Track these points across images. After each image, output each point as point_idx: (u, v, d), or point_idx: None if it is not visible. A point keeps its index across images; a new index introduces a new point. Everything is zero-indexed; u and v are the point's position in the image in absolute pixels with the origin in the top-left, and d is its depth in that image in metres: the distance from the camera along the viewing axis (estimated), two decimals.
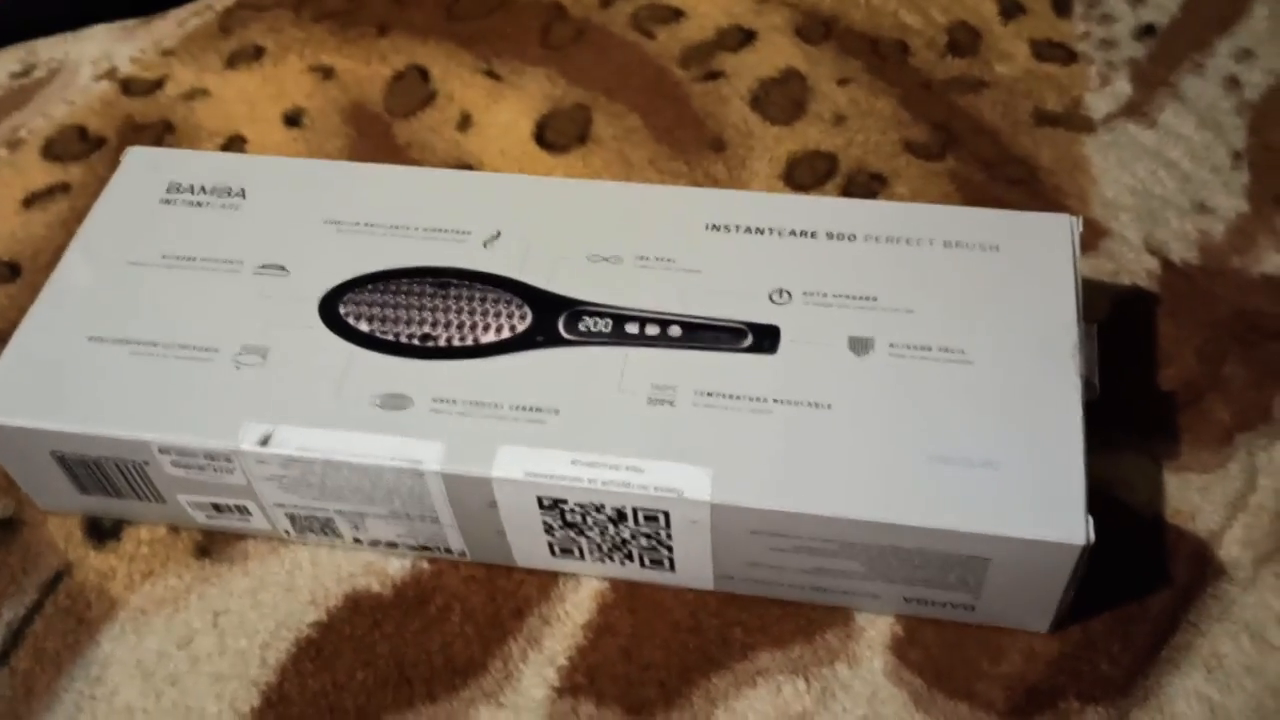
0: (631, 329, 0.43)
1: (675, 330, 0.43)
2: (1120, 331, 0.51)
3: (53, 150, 0.61)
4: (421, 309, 0.45)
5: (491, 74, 0.63)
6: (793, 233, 0.46)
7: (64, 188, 0.59)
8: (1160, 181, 0.57)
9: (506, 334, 0.44)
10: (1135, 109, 0.60)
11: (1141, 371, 0.49)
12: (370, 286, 0.45)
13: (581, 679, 0.42)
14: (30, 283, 0.55)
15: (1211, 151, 0.58)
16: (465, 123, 0.61)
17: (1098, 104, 0.61)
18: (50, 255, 0.56)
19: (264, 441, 0.41)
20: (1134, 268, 0.53)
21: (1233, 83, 0.61)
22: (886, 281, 0.44)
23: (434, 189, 0.49)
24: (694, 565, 0.42)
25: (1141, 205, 0.56)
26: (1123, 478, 0.46)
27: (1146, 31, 0.64)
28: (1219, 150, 0.58)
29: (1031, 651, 0.42)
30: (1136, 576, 0.44)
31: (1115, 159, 0.58)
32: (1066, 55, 0.63)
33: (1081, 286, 0.44)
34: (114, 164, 0.59)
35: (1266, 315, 0.51)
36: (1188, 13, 0.65)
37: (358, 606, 0.44)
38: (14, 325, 0.53)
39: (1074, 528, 0.37)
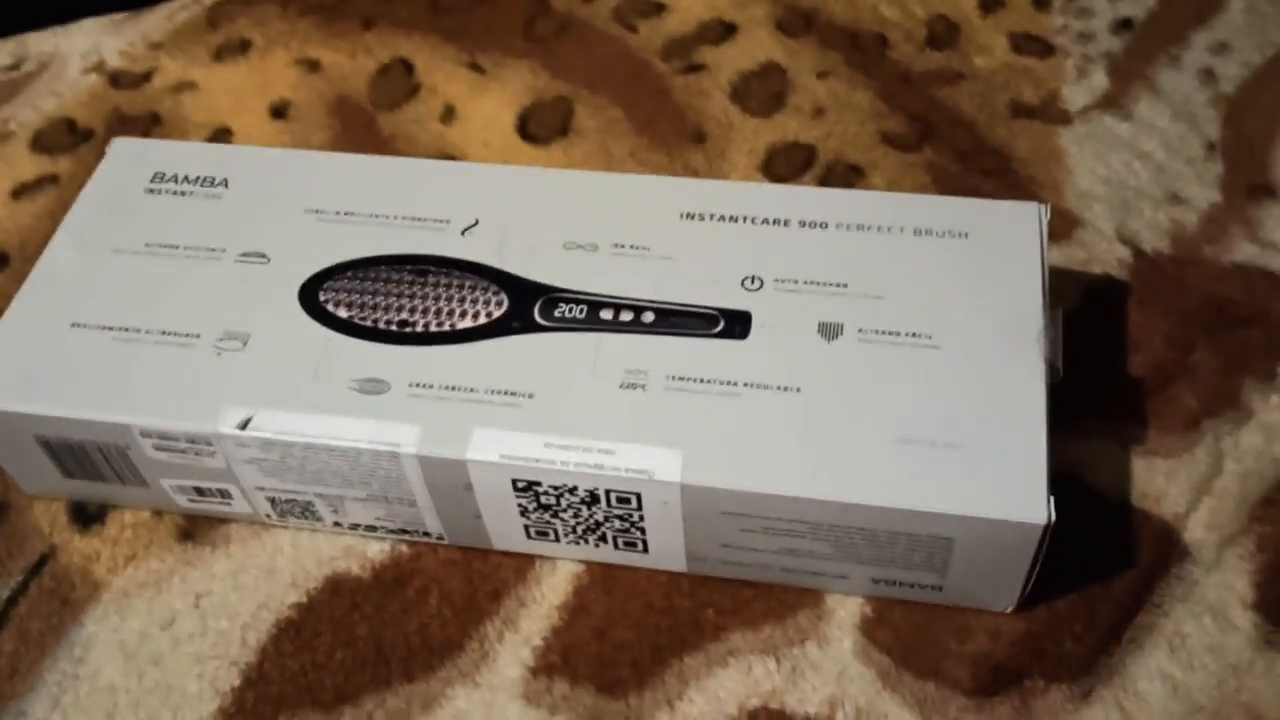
0: (606, 315, 0.44)
1: (649, 316, 0.44)
2: (1091, 319, 0.52)
3: (41, 142, 0.62)
4: (400, 296, 0.45)
5: (475, 67, 0.64)
6: (766, 221, 0.47)
7: (52, 179, 0.60)
8: (1134, 173, 0.58)
9: (483, 320, 0.44)
10: (1111, 101, 0.61)
11: (1111, 358, 0.50)
12: (349, 274, 0.46)
13: (556, 659, 0.43)
14: (18, 272, 0.56)
15: (1185, 143, 0.59)
16: (449, 115, 0.62)
17: (1074, 96, 0.61)
18: (38, 245, 0.57)
19: (244, 425, 0.42)
20: (1106, 257, 0.54)
21: (1208, 75, 0.62)
22: (857, 268, 0.45)
23: (414, 179, 0.49)
24: (667, 547, 0.43)
25: (1115, 196, 0.57)
26: (1090, 462, 0.47)
27: (1124, 25, 0.65)
28: (1193, 142, 0.59)
29: (998, 631, 0.43)
30: (1102, 558, 0.44)
31: (1090, 150, 0.59)
32: (1044, 49, 0.64)
33: (1049, 273, 0.44)
34: (101, 156, 0.60)
35: (1236, 303, 0.52)
36: (1165, 6, 0.66)
37: (337, 588, 0.45)
38: (2, 313, 0.54)
39: (1035, 507, 0.38)
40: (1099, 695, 0.41)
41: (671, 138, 0.60)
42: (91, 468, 0.45)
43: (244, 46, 0.66)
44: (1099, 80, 0.62)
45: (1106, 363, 0.50)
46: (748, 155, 0.59)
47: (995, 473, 0.39)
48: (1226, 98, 0.61)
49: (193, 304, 0.45)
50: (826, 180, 0.58)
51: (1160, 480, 0.46)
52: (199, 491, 0.45)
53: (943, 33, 0.65)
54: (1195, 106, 0.60)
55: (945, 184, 0.57)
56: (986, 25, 0.65)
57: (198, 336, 0.44)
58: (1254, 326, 0.51)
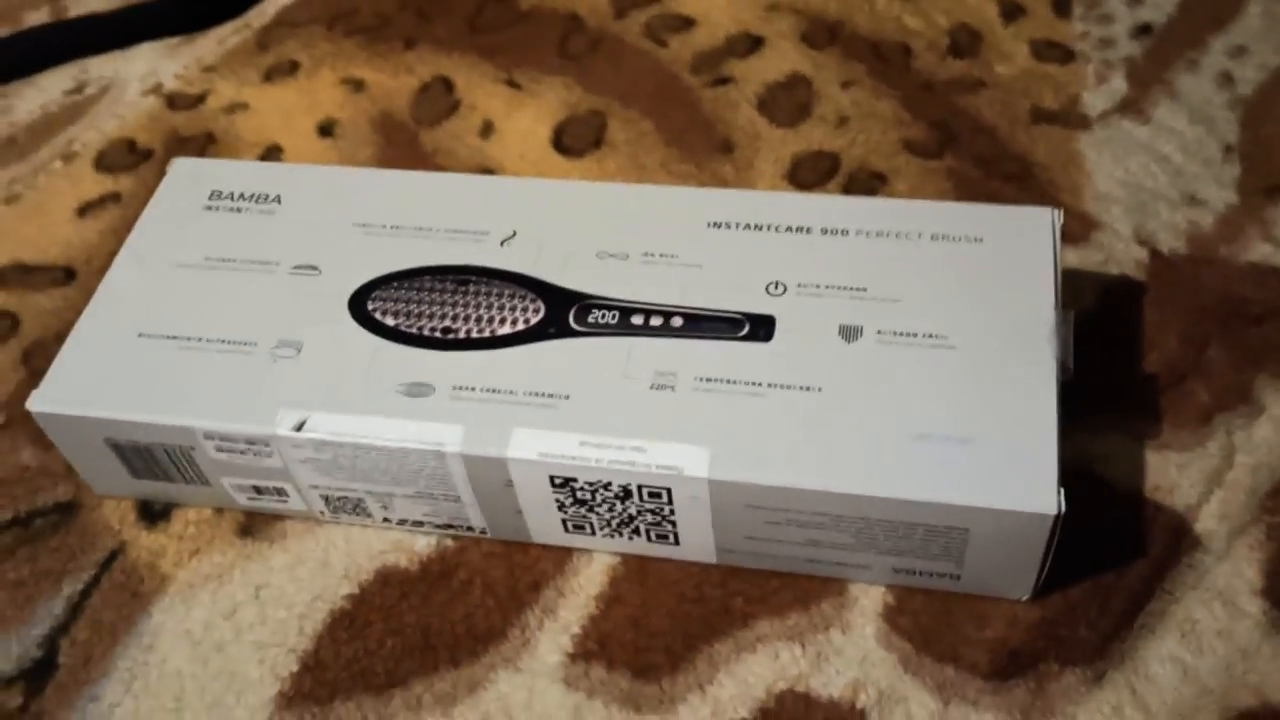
0: (636, 320, 0.47)
1: (677, 321, 0.46)
2: (1107, 318, 0.53)
3: (104, 162, 0.65)
4: (443, 304, 0.48)
5: (512, 83, 0.67)
6: (789, 229, 0.49)
7: (115, 197, 0.63)
8: (1152, 175, 0.59)
9: (521, 326, 0.47)
10: (1130, 106, 0.63)
11: (1126, 355, 0.52)
12: (396, 284, 0.49)
13: (593, 646, 0.45)
14: (84, 286, 0.59)
15: (1203, 146, 0.60)
16: (487, 130, 0.65)
17: (1094, 101, 0.63)
18: (103, 260, 0.60)
19: (299, 427, 0.45)
20: (1123, 258, 0.56)
21: (1226, 78, 0.63)
22: (876, 273, 0.47)
23: (455, 193, 0.52)
24: (697, 539, 0.45)
25: (1133, 198, 0.58)
26: (1105, 455, 0.49)
27: (1143, 30, 0.67)
28: (1210, 144, 0.60)
29: (1014, 618, 0.44)
30: (1115, 548, 0.46)
31: (1109, 154, 0.60)
32: (1065, 55, 0.66)
33: (1061, 275, 0.46)
34: (160, 174, 0.64)
35: (1250, 301, 0.53)
36: (1183, 11, 0.67)
37: (387, 580, 0.48)
38: (70, 324, 0.57)
39: (1046, 498, 0.40)
40: (1111, 678, 0.43)
41: (701, 149, 0.62)
42: (158, 468, 0.48)
43: (292, 68, 0.69)
44: (1118, 85, 0.64)
45: (1122, 360, 0.52)
46: (774, 164, 0.61)
47: (1008, 466, 0.41)
48: (1244, 100, 0.62)
49: (249, 314, 0.48)
50: (850, 187, 0.60)
51: (1173, 473, 0.48)
52: (257, 490, 0.48)
53: (965, 41, 0.67)
54: (1213, 109, 0.62)
55: (966, 190, 0.59)
56: (1008, 33, 0.67)
57: (255, 344, 0.47)
58: (1267, 323, 0.52)
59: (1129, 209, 0.58)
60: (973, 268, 0.47)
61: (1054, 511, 0.40)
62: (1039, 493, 0.40)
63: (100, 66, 0.71)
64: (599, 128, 0.64)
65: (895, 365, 0.44)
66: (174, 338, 0.48)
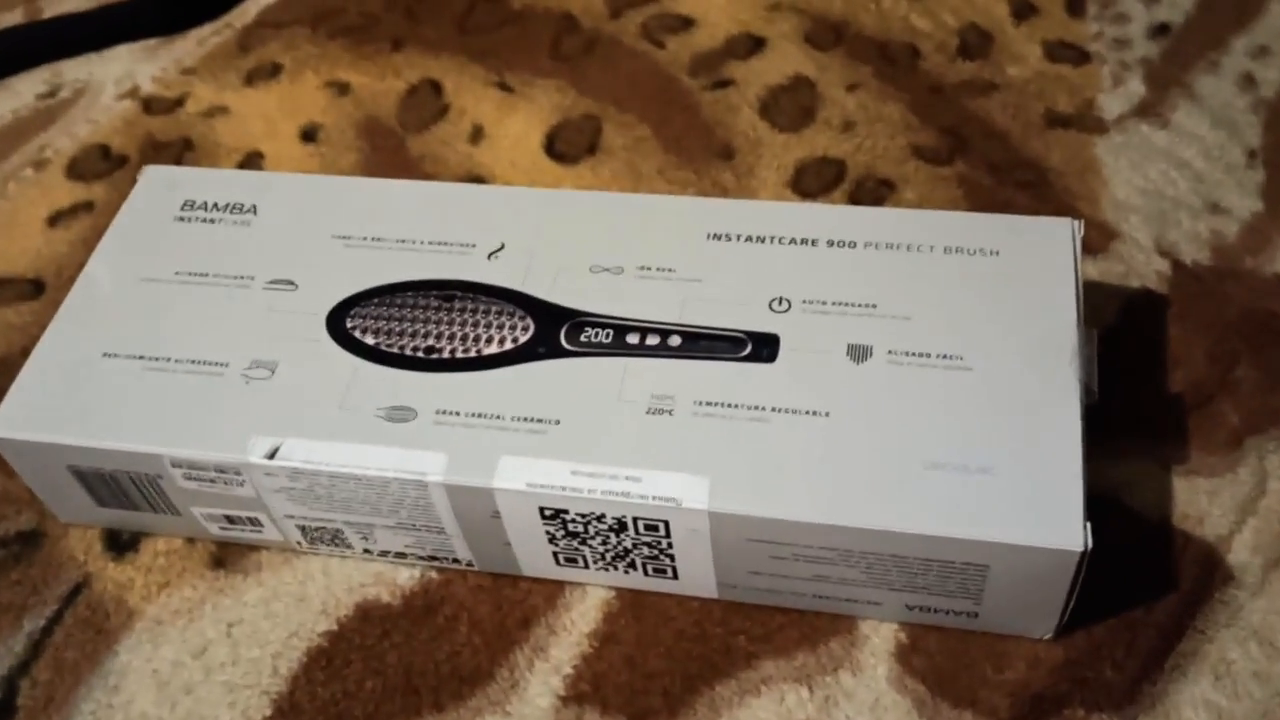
0: (632, 339, 0.44)
1: (675, 340, 0.44)
2: (1129, 334, 0.50)
3: (76, 169, 0.62)
4: (426, 321, 0.45)
5: (503, 86, 0.64)
6: (793, 241, 0.46)
7: (87, 206, 0.60)
8: (1172, 182, 0.56)
9: (509, 345, 0.44)
10: (1148, 109, 0.60)
11: (1150, 374, 0.49)
12: (376, 300, 0.46)
13: (587, 687, 0.43)
14: (53, 299, 0.56)
15: (1225, 151, 0.58)
16: (477, 135, 0.62)
17: (1110, 105, 0.60)
18: (73, 272, 0.57)
19: (271, 454, 0.42)
20: (1144, 270, 0.53)
21: (1248, 80, 0.60)
22: (886, 288, 0.44)
23: (440, 203, 0.49)
24: (697, 574, 0.43)
25: (1153, 206, 0.55)
26: (1129, 482, 0.46)
27: (1160, 30, 0.64)
28: (1233, 149, 0.58)
29: (1036, 658, 0.42)
30: (1143, 582, 0.43)
31: (1127, 160, 0.58)
32: (1079, 56, 0.63)
33: (1083, 290, 0.44)
34: (135, 182, 0.61)
35: (1279, 316, 0.51)
36: (1202, 11, 0.64)
37: (368, 616, 0.45)
38: (36, 341, 0.54)
39: (1072, 534, 0.37)
40: None
41: (700, 155, 0.60)
42: (124, 496, 0.45)
43: (274, 70, 0.66)
44: (1135, 88, 0.61)
45: (1146, 379, 0.49)
46: (777, 171, 0.58)
47: (1030, 498, 0.38)
48: (1267, 103, 0.59)
49: (222, 333, 0.45)
50: (857, 195, 0.57)
51: (1202, 501, 0.45)
52: (229, 520, 0.45)
53: (975, 42, 0.64)
54: (1235, 113, 0.59)
55: (978, 197, 0.56)
56: (1020, 33, 0.64)
57: (226, 365, 0.44)
58: None
59: (1149, 218, 0.55)
60: (989, 283, 0.44)
61: (1080, 548, 0.37)
62: (1064, 527, 0.38)
63: (75, 69, 0.68)
64: (594, 133, 0.61)
65: (907, 388, 0.41)
66: (141, 358, 0.45)
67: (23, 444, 0.44)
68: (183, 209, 0.50)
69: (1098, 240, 0.54)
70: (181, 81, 0.66)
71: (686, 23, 0.66)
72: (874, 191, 0.57)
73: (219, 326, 0.46)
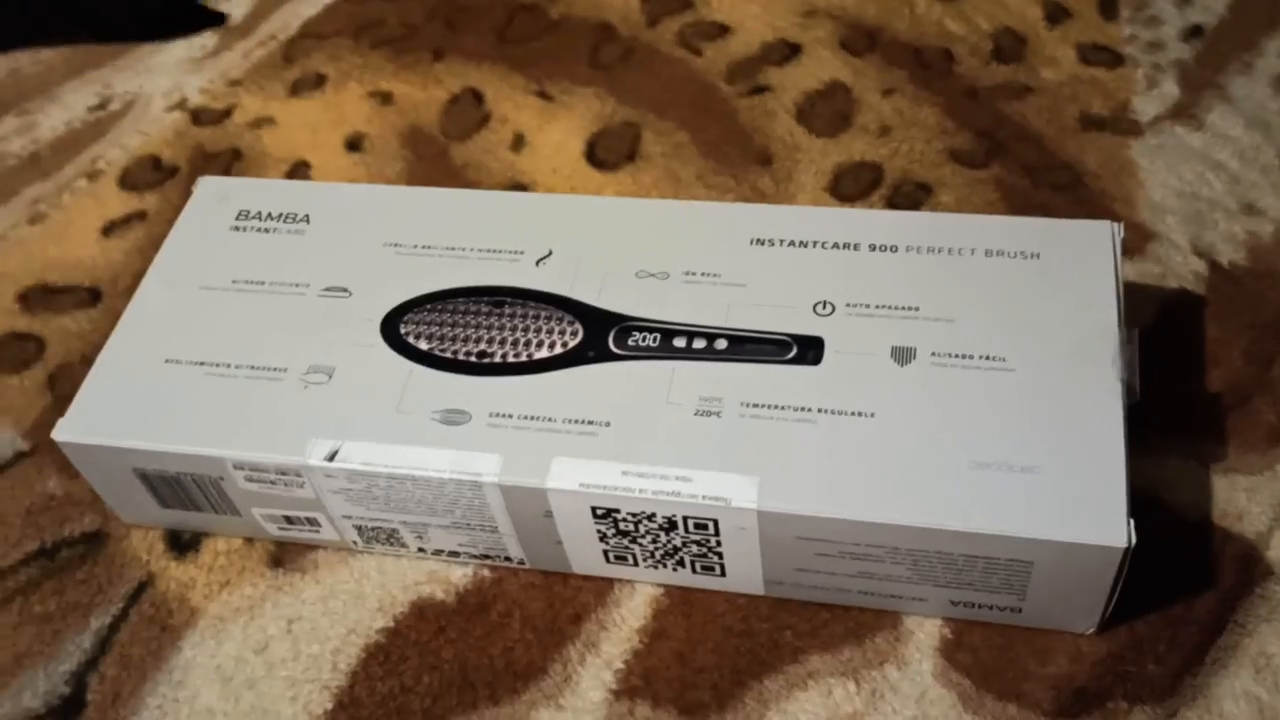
0: (679, 343, 0.45)
1: (721, 343, 0.45)
2: (1167, 335, 0.51)
3: (129, 180, 0.64)
4: (478, 327, 0.46)
5: (543, 95, 0.65)
6: (835, 245, 0.47)
7: (140, 216, 0.62)
8: (1208, 183, 0.57)
9: (559, 350, 0.45)
10: (1182, 111, 0.60)
11: (1188, 374, 0.50)
12: (429, 306, 0.47)
13: (637, 681, 0.44)
14: (110, 307, 0.58)
15: (1260, 152, 0.58)
16: (518, 143, 0.63)
17: (1145, 107, 0.61)
18: (129, 280, 0.59)
19: (331, 457, 0.43)
20: (1181, 271, 0.54)
21: None
22: (928, 291, 0.45)
23: (488, 211, 0.50)
24: (744, 571, 0.44)
25: (1189, 208, 0.56)
26: (1169, 480, 0.46)
27: (1194, 33, 0.64)
28: (1268, 151, 0.58)
29: (1078, 653, 0.43)
30: (1183, 579, 0.44)
31: (1162, 162, 0.58)
32: (1113, 59, 0.64)
33: (1123, 292, 0.44)
34: (186, 192, 0.62)
35: None
36: (1236, 13, 0.65)
37: (423, 613, 0.46)
38: (96, 347, 0.56)
39: (1115, 530, 0.38)
40: (1183, 717, 0.41)
41: (738, 160, 0.61)
42: (186, 498, 0.47)
43: (319, 81, 0.68)
44: (1170, 90, 0.62)
45: (1184, 379, 0.50)
46: (814, 176, 0.59)
47: (1073, 495, 0.39)
48: None
49: (279, 339, 0.47)
50: (894, 199, 0.58)
51: (1241, 498, 0.46)
52: (289, 520, 0.47)
53: (1009, 46, 0.65)
54: (1269, 114, 0.60)
55: (1015, 200, 0.57)
56: (1053, 36, 0.65)
57: (285, 370, 0.46)
58: None
59: (1185, 219, 0.56)
60: (1030, 285, 0.45)
61: (1124, 544, 0.38)
62: (1108, 524, 0.38)
63: (124, 82, 0.69)
64: (633, 140, 0.62)
65: (951, 389, 0.42)
66: (201, 363, 0.46)
67: (89, 448, 0.45)
68: (237, 219, 0.52)
69: (1134, 241, 0.55)
70: (228, 93, 0.68)
71: (722, 30, 0.67)
72: (911, 195, 0.58)
73: (276, 333, 0.47)
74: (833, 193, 0.59)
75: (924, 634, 0.44)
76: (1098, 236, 0.46)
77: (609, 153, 0.62)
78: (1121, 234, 0.46)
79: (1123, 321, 0.43)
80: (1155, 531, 0.45)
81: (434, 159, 0.63)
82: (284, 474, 0.44)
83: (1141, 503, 0.46)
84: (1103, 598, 0.40)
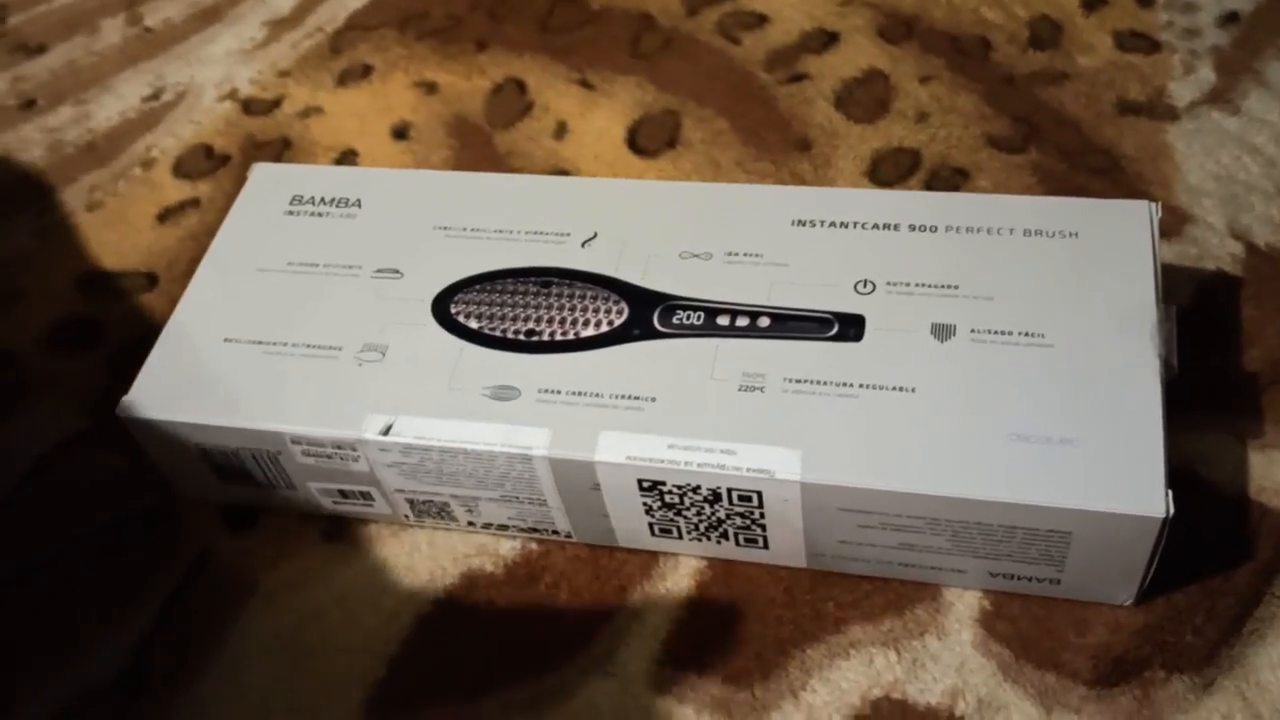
0: (722, 321, 0.46)
1: (764, 321, 0.46)
2: (1204, 315, 0.52)
3: (182, 168, 0.66)
4: (526, 306, 0.48)
5: (585, 84, 0.66)
6: (876, 226, 0.48)
7: (194, 203, 0.64)
8: (1244, 167, 0.58)
9: (605, 328, 0.47)
10: (1219, 96, 0.61)
11: (1225, 353, 0.50)
12: (478, 287, 0.49)
13: (683, 651, 0.45)
14: (166, 291, 0.60)
15: None
16: (561, 131, 0.64)
17: (1181, 92, 0.61)
18: (184, 266, 0.61)
19: (385, 431, 0.45)
20: (1218, 253, 0.54)
21: None
22: (967, 270, 0.46)
23: (534, 195, 0.52)
24: (787, 543, 0.45)
25: (1225, 191, 0.57)
26: (1207, 456, 0.47)
27: (1230, 19, 0.65)
28: None
29: (1117, 624, 0.43)
30: (1220, 552, 0.45)
31: (1199, 146, 0.59)
32: (1149, 45, 0.64)
33: (1161, 270, 0.45)
34: (238, 179, 0.64)
35: None
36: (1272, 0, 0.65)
37: (473, 585, 0.48)
38: (154, 330, 0.58)
39: (1154, 500, 0.39)
40: (1221, 686, 0.41)
41: (777, 147, 0.62)
42: (245, 473, 0.48)
43: (365, 71, 0.69)
44: (1206, 75, 0.62)
45: (1221, 358, 0.50)
46: (853, 162, 0.60)
47: (1112, 467, 0.40)
48: None
49: (334, 318, 0.48)
50: (932, 184, 0.59)
51: (1278, 473, 0.46)
52: (343, 494, 0.48)
53: (1045, 33, 0.65)
54: None
55: (1052, 184, 0.58)
56: (1090, 24, 0.66)
57: (340, 349, 0.47)
58: None
59: (1222, 202, 0.56)
60: (1068, 263, 0.46)
61: (1162, 514, 0.39)
62: (1146, 494, 0.39)
63: (176, 73, 0.71)
64: (673, 127, 0.63)
65: (991, 364, 0.43)
66: (259, 342, 0.48)
67: (151, 424, 0.47)
68: (291, 203, 0.53)
69: (1171, 224, 0.55)
70: (277, 83, 0.69)
71: (761, 19, 0.68)
72: (949, 180, 0.59)
73: (331, 313, 0.49)
74: (871, 178, 0.59)
75: (964, 605, 0.44)
76: (1135, 215, 0.47)
77: (650, 140, 0.63)
78: (1159, 213, 0.46)
79: (1160, 298, 0.44)
80: (1193, 507, 0.45)
81: (478, 146, 0.64)
82: (340, 448, 0.46)
83: (1180, 478, 0.46)
84: (1141, 569, 0.41)
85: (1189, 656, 0.42)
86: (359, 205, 0.53)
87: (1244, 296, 0.52)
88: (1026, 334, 0.44)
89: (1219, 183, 0.57)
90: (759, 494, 0.42)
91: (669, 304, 0.47)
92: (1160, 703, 0.41)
